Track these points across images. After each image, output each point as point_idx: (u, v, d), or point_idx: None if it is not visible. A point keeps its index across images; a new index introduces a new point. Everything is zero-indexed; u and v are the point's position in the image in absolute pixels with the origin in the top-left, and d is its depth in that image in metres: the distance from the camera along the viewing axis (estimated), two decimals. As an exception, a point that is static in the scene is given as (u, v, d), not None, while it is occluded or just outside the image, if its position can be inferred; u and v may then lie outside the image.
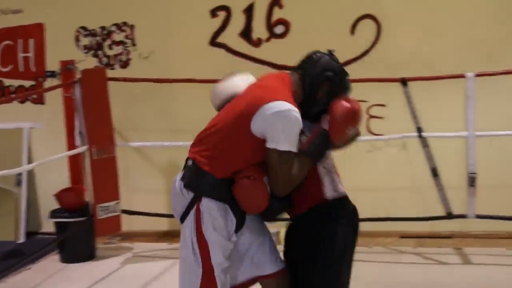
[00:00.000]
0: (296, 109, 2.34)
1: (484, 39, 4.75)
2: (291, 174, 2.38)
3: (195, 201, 2.45)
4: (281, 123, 2.32)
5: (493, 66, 4.38)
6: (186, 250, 2.48)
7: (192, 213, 2.46)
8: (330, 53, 2.51)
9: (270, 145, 2.35)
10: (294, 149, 2.36)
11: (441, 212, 4.58)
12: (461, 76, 4.23)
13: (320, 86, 2.45)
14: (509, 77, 4.26)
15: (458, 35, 4.83)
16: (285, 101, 2.34)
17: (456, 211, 4.53)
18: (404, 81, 4.34)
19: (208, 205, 2.43)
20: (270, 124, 2.33)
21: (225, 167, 2.43)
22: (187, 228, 2.48)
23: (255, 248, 2.57)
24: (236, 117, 2.41)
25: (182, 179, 2.52)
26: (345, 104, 2.42)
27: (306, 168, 2.42)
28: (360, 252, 4.59)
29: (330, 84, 2.45)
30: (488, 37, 4.75)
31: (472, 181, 4.22)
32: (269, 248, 2.60)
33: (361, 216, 4.90)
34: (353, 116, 2.42)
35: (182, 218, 2.51)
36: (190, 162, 2.51)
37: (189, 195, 2.47)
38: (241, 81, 2.61)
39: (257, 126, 2.35)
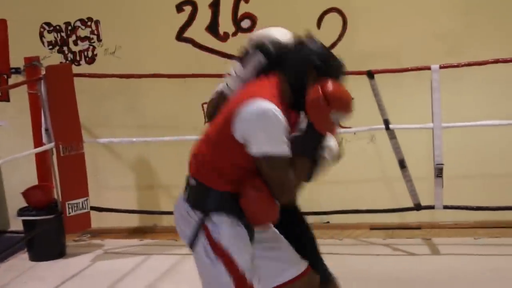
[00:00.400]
0: (276, 108, 2.19)
1: (448, 31, 4.82)
2: (287, 179, 2.25)
3: (204, 220, 2.34)
4: (259, 124, 2.19)
5: (458, 58, 4.43)
6: (208, 272, 2.35)
7: (202, 232, 2.34)
8: (311, 37, 2.36)
9: (253, 150, 2.21)
10: (280, 150, 2.21)
11: (410, 203, 4.63)
12: (427, 68, 4.28)
13: (308, 76, 2.29)
14: (473, 68, 4.30)
15: (423, 27, 4.89)
16: (264, 100, 2.19)
17: (424, 202, 4.59)
18: (370, 74, 4.36)
19: (218, 219, 2.32)
20: (248, 127, 2.20)
21: (224, 178, 2.32)
22: (201, 249, 2.34)
23: (268, 257, 2.48)
24: (221, 126, 2.29)
25: (187, 201, 2.39)
26: (319, 87, 2.22)
27: (304, 168, 2.30)
28: (331, 245, 4.71)
29: (317, 70, 2.29)
30: (452, 29, 4.81)
31: (439, 172, 4.28)
32: (283, 253, 2.52)
33: (331, 208, 5.01)
34: (332, 98, 2.21)
35: (192, 243, 2.37)
36: (193, 181, 2.39)
37: (197, 215, 2.35)
38: (276, 31, 2.49)
39: (239, 132, 2.22)
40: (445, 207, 4.42)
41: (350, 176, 5.14)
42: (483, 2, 4.76)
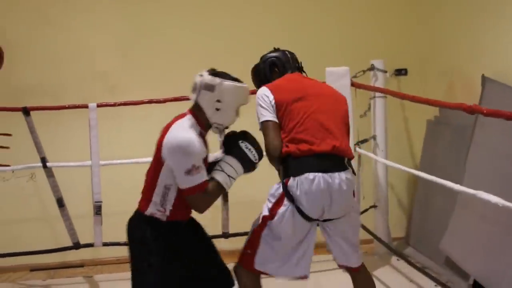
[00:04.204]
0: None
1: (107, 71, 4.99)
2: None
3: None
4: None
5: (119, 97, 4.60)
6: None
7: None
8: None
9: None
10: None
11: (70, 242, 4.59)
12: (85, 106, 4.35)
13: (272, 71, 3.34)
14: (131, 107, 4.50)
15: (82, 66, 5.00)
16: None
17: (86, 239, 4.60)
18: (26, 110, 4.26)
19: None
20: None
21: None
22: None
23: None
24: None
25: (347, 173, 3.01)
26: None
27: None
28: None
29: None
30: (111, 69, 4.98)
31: (98, 209, 4.34)
32: None
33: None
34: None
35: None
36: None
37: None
38: None
39: None
40: (105, 244, 4.49)
41: (9, 215, 4.95)
42: (136, 45, 5.07)
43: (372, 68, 4.79)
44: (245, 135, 2.90)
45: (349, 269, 3.30)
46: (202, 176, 2.71)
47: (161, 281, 2.82)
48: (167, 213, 2.82)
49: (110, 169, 4.58)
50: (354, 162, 4.51)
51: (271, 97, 3.06)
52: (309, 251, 3.09)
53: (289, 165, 2.95)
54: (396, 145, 5.23)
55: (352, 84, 4.46)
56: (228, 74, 2.86)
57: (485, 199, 2.99)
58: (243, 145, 2.82)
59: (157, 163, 2.77)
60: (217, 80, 2.77)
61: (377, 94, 4.80)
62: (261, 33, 5.19)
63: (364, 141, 4.80)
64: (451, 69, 4.83)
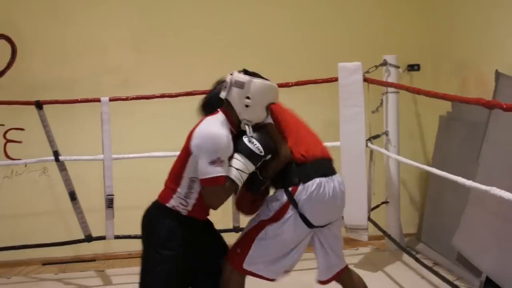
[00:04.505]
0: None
1: (119, 66, 5.02)
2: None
3: None
4: None
5: (131, 92, 4.61)
6: None
7: None
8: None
9: None
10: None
11: (83, 235, 4.62)
12: (97, 100, 4.38)
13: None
14: (143, 102, 4.52)
15: (95, 61, 5.03)
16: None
17: (98, 232, 4.63)
18: (39, 104, 4.29)
19: None
20: None
21: None
22: None
23: None
24: None
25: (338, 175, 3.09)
26: None
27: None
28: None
29: None
30: (123, 64, 4.99)
31: (109, 202, 4.38)
32: None
33: (-1, 245, 4.72)
34: None
35: None
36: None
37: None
38: None
39: None
40: (117, 237, 4.52)
41: (21, 209, 4.99)
42: (149, 40, 5.09)
43: (384, 63, 4.77)
44: (257, 130, 2.92)
45: (336, 276, 3.26)
46: (223, 171, 2.76)
47: (168, 274, 2.86)
48: (189, 207, 2.88)
49: (122, 163, 4.61)
50: (366, 158, 4.55)
51: None
52: (298, 259, 3.11)
53: (294, 172, 2.96)
54: (408, 141, 5.21)
55: (365, 80, 4.45)
56: (258, 74, 2.95)
57: (498, 195, 2.97)
58: (246, 139, 2.85)
59: (185, 154, 2.85)
60: (247, 77, 2.87)
61: (390, 89, 4.78)
62: (274, 29, 5.19)
63: (376, 136, 4.78)
64: (464, 64, 4.80)
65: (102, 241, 4.67)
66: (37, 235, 4.90)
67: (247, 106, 2.86)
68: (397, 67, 4.79)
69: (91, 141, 4.67)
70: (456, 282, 4.03)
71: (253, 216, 3.11)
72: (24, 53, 4.93)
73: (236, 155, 2.83)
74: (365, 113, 4.43)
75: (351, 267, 4.46)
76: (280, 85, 4.50)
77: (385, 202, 4.98)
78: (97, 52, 5.04)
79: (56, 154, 4.45)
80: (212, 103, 3.01)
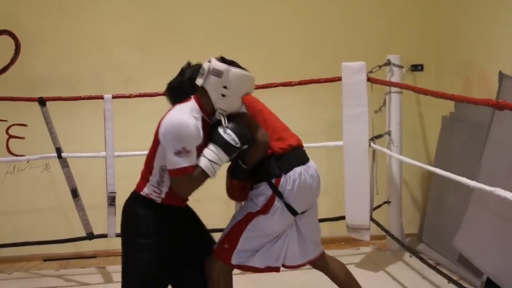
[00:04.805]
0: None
1: (124, 63, 5.00)
2: None
3: None
4: None
5: (133, 89, 4.61)
6: None
7: None
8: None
9: None
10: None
11: (84, 232, 4.63)
12: (100, 97, 4.38)
13: None
14: (146, 100, 4.52)
15: (98, 58, 5.04)
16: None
17: (99, 230, 4.64)
18: (42, 101, 4.30)
19: None
20: None
21: None
22: None
23: None
24: None
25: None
26: None
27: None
28: (0, 280, 4.50)
29: None
30: (127, 61, 4.99)
31: (111, 200, 4.38)
32: None
33: (0, 241, 4.74)
34: None
35: None
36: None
37: None
38: None
39: None
40: (118, 235, 4.47)
41: (23, 205, 5.01)
42: (153, 37, 5.08)
43: (388, 63, 4.77)
44: (232, 120, 2.89)
45: (311, 263, 3.32)
46: (190, 161, 2.73)
47: (148, 263, 2.84)
48: (163, 195, 2.85)
49: (124, 161, 4.60)
50: (368, 158, 4.55)
51: None
52: (290, 244, 3.14)
53: (274, 164, 3.00)
54: (410, 141, 5.21)
55: (368, 79, 4.45)
56: (236, 63, 2.90)
57: (501, 196, 2.98)
58: (221, 130, 2.81)
59: (155, 143, 2.82)
60: (225, 66, 2.82)
61: (393, 89, 4.78)
62: (277, 28, 5.19)
63: (379, 136, 4.78)
64: (467, 65, 4.80)
65: (103, 238, 4.66)
66: (39, 231, 4.91)
67: (223, 95, 2.81)
68: (401, 67, 4.79)
69: (93, 138, 4.67)
70: (457, 283, 4.03)
71: (245, 201, 3.14)
72: (28, 49, 4.93)
73: (210, 146, 2.80)
74: (368, 113, 4.43)
75: (352, 267, 4.50)
76: (283, 84, 4.55)
77: (387, 202, 4.98)
78: (101, 49, 5.04)
79: (58, 151, 4.45)
80: (183, 89, 2.97)
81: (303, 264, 3.27)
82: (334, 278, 3.35)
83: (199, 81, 2.84)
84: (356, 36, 5.24)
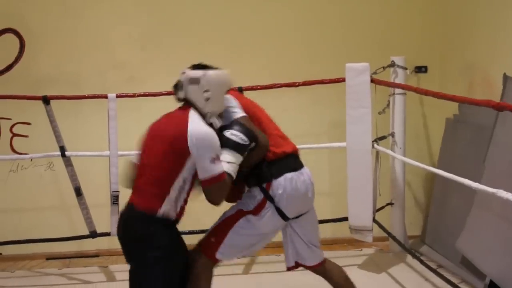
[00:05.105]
0: None
1: (127, 62, 5.01)
2: None
3: None
4: None
5: (136, 88, 4.62)
6: None
7: None
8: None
9: None
10: None
11: (87, 231, 4.64)
12: (104, 96, 4.39)
13: None
14: (150, 99, 4.53)
15: (102, 56, 5.05)
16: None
17: (102, 228, 4.66)
18: (46, 99, 4.31)
19: None
20: None
21: None
22: None
23: None
24: None
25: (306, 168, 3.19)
26: None
27: None
28: (3, 278, 4.51)
29: None
30: (131, 60, 5.01)
31: (115, 199, 4.37)
32: None
33: (3, 239, 4.75)
34: None
35: None
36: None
37: None
38: None
39: None
40: (120, 234, 4.51)
41: (26, 204, 5.03)
42: (156, 36, 5.10)
43: (392, 64, 4.77)
44: (231, 124, 2.95)
45: (310, 268, 3.37)
46: (222, 166, 2.81)
47: (165, 276, 2.83)
48: (178, 209, 2.86)
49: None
50: (372, 159, 4.55)
51: (237, 102, 3.12)
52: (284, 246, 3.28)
53: (266, 169, 3.05)
54: (414, 143, 5.21)
55: (372, 81, 4.45)
56: (207, 65, 2.98)
57: (504, 198, 2.98)
58: (228, 133, 2.88)
59: (177, 156, 2.79)
60: (200, 72, 2.90)
61: (397, 91, 4.78)
62: (281, 28, 5.20)
63: (382, 138, 4.78)
64: (472, 67, 4.80)
65: (106, 237, 4.68)
66: (42, 229, 4.93)
67: (207, 99, 2.87)
68: (405, 68, 4.79)
69: (97, 136, 4.70)
70: (460, 285, 4.03)
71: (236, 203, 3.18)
72: (32, 48, 4.95)
73: (223, 150, 2.85)
74: (372, 114, 4.43)
75: (354, 268, 4.50)
76: (287, 85, 4.55)
77: (390, 204, 4.98)
78: (104, 48, 5.05)
79: (62, 149, 4.47)
80: None
81: (296, 266, 3.32)
82: (333, 284, 3.39)
83: (180, 95, 2.92)
84: (360, 37, 5.24)
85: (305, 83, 4.57)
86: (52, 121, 4.41)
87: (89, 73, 5.03)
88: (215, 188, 2.81)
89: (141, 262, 2.86)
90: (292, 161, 3.16)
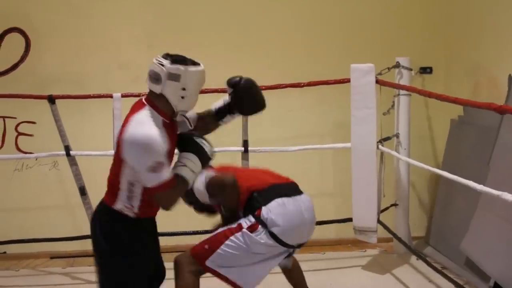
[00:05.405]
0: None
1: (132, 62, 5.02)
2: None
3: None
4: None
5: (141, 88, 4.61)
6: None
7: None
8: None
9: None
10: None
11: (91, 230, 4.64)
12: (109, 96, 4.40)
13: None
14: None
15: (107, 56, 5.07)
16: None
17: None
18: (51, 99, 4.33)
19: None
20: None
21: None
22: None
23: None
24: None
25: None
26: None
27: None
28: (7, 277, 4.52)
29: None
30: (136, 60, 5.02)
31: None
32: None
33: (8, 238, 4.77)
34: None
35: None
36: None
37: None
38: None
39: None
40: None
41: (31, 203, 5.04)
42: (162, 36, 5.10)
43: (397, 65, 4.77)
44: (198, 133, 2.87)
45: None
46: (167, 172, 2.58)
47: (128, 276, 2.76)
48: (136, 209, 2.69)
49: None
50: (376, 160, 4.56)
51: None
52: (266, 273, 3.24)
53: (254, 199, 3.17)
54: (418, 144, 5.21)
55: (377, 81, 4.45)
56: (184, 58, 2.67)
57: (509, 200, 2.98)
58: (199, 140, 2.75)
59: (119, 160, 2.63)
60: (181, 68, 2.60)
61: (402, 91, 4.78)
62: (286, 28, 5.20)
63: (387, 139, 4.78)
64: (477, 68, 4.80)
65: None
66: (46, 228, 4.96)
67: (183, 97, 2.63)
68: (410, 69, 4.79)
69: (102, 135, 4.69)
70: (465, 287, 4.03)
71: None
72: (38, 47, 4.97)
73: (189, 155, 2.70)
74: (376, 115, 4.44)
75: (359, 269, 4.51)
76: (292, 85, 4.55)
77: (394, 205, 4.98)
78: (109, 47, 5.07)
79: (67, 149, 4.48)
80: None
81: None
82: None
83: (156, 88, 2.61)
84: (365, 38, 5.24)
85: (310, 84, 4.57)
86: (57, 120, 4.43)
87: (95, 72, 5.04)
88: (163, 196, 2.61)
89: (100, 259, 2.85)
90: (284, 189, 3.25)
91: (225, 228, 3.18)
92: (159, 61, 2.61)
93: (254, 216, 3.13)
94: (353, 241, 5.04)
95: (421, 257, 4.54)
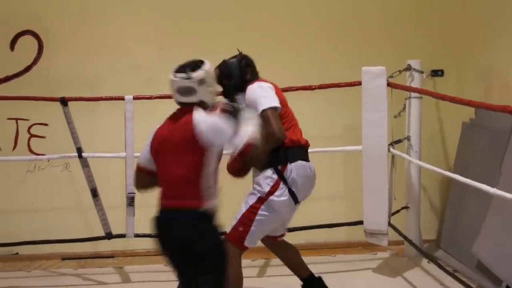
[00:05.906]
0: None
1: (144, 64, 5.04)
2: None
3: None
4: None
5: (153, 90, 4.64)
6: None
7: None
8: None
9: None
10: None
11: (103, 232, 4.68)
12: (121, 98, 4.43)
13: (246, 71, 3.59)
14: (167, 101, 4.54)
15: (119, 58, 5.09)
16: None
17: (118, 230, 4.69)
18: (64, 101, 4.36)
19: None
20: None
21: None
22: None
23: None
24: None
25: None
26: None
27: None
28: (19, 277, 4.55)
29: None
30: (148, 62, 5.04)
31: (130, 201, 4.43)
32: None
33: (20, 239, 4.81)
34: None
35: None
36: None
37: None
38: None
39: None
40: (137, 235, 4.57)
41: (43, 204, 5.07)
42: (173, 38, 5.12)
43: (408, 68, 4.77)
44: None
45: (272, 238, 3.70)
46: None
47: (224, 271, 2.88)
48: (215, 202, 2.87)
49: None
50: (387, 163, 4.55)
51: (274, 92, 3.45)
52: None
53: (283, 154, 3.39)
54: (430, 147, 5.19)
55: (388, 84, 4.45)
56: (191, 62, 3.01)
57: (521, 203, 2.97)
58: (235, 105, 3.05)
59: (196, 155, 2.77)
60: (202, 72, 2.92)
61: (413, 94, 4.78)
62: (299, 31, 5.21)
63: (398, 141, 4.78)
64: (488, 71, 4.78)
65: (122, 238, 4.70)
66: (58, 230, 4.98)
67: (212, 92, 3.00)
68: (421, 72, 4.79)
69: (113, 137, 4.72)
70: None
71: (241, 178, 3.31)
72: (50, 49, 5.01)
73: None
74: (387, 118, 4.44)
75: (369, 272, 4.51)
76: (303, 88, 4.57)
77: (405, 207, 4.97)
78: (122, 49, 5.10)
79: (79, 150, 4.51)
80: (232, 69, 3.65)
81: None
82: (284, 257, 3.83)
83: (193, 99, 2.88)
84: (377, 40, 5.24)
85: (321, 86, 4.58)
86: (69, 122, 4.45)
87: (106, 74, 5.07)
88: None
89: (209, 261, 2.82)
90: (305, 152, 3.54)
91: (250, 203, 3.37)
92: (181, 76, 2.91)
93: (277, 171, 3.37)
94: (364, 244, 5.04)
95: (433, 260, 4.53)
